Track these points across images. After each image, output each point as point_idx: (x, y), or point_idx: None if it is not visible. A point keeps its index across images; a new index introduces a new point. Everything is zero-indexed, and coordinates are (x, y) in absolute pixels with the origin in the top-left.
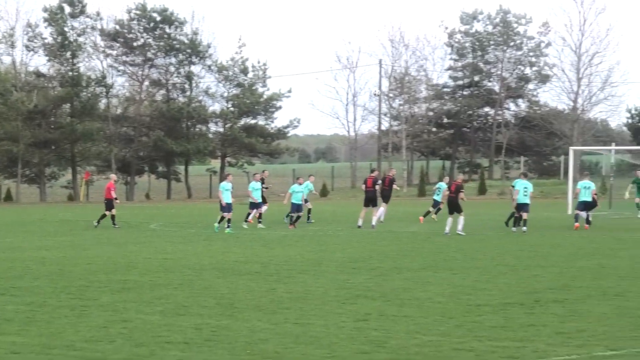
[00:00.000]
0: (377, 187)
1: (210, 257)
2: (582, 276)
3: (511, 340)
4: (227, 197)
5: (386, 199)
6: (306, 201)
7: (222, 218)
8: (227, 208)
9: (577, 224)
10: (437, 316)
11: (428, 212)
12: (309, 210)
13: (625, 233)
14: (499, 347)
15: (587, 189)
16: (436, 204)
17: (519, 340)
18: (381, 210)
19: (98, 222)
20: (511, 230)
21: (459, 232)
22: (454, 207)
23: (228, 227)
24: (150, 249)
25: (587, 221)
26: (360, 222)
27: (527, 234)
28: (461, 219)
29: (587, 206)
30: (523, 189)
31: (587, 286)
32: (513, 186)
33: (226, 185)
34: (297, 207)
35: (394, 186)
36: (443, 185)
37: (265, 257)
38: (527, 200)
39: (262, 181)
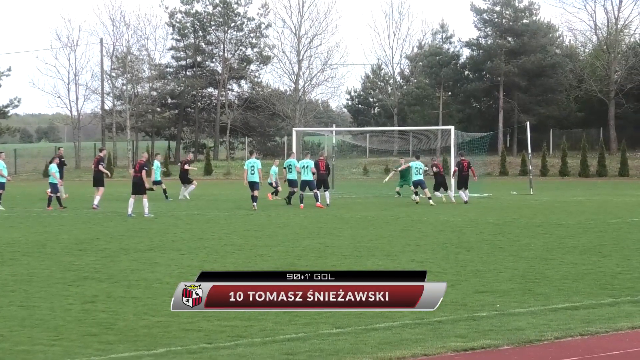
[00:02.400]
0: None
1: None
2: (307, 255)
3: (239, 320)
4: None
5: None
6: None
7: None
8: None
9: (302, 205)
10: (165, 297)
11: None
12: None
13: (348, 213)
14: (227, 327)
15: (306, 167)
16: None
17: (247, 320)
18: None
19: None
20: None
21: (147, 215)
22: (138, 187)
23: None
24: None
25: (317, 199)
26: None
27: (255, 213)
28: (145, 201)
29: (309, 185)
30: (250, 167)
31: (312, 265)
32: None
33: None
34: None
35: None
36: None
37: None
38: (256, 179)
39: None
